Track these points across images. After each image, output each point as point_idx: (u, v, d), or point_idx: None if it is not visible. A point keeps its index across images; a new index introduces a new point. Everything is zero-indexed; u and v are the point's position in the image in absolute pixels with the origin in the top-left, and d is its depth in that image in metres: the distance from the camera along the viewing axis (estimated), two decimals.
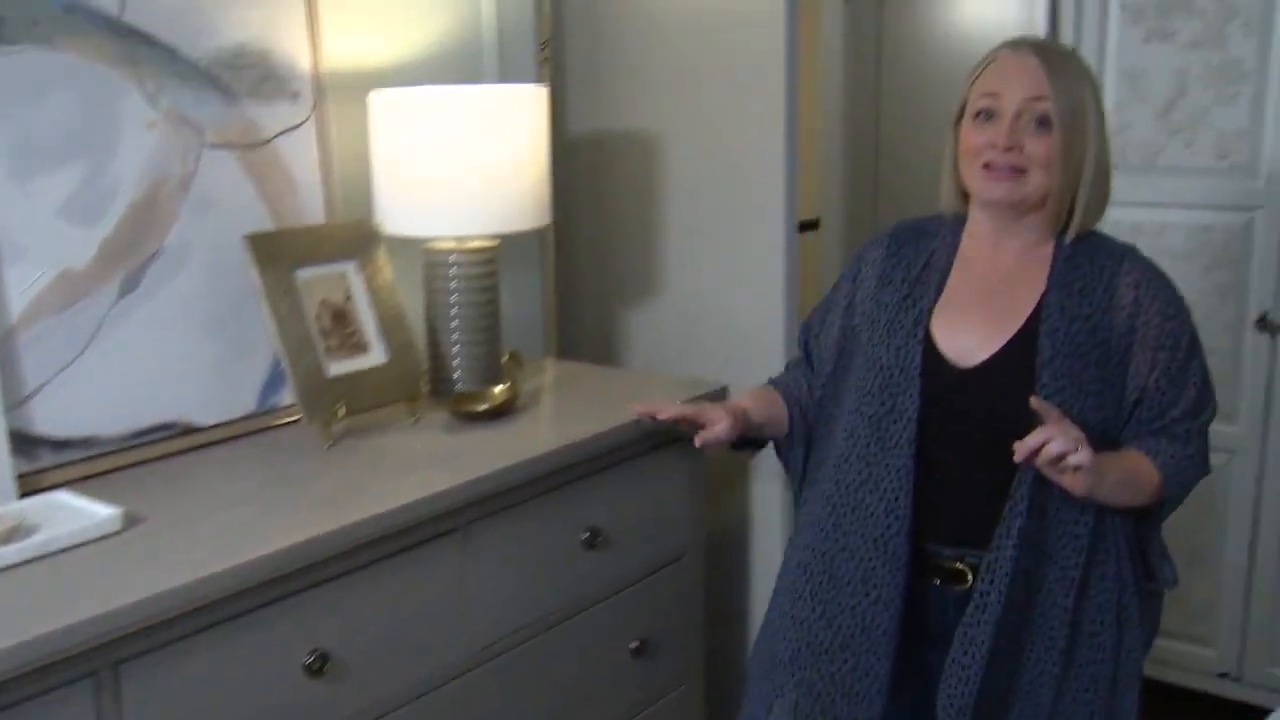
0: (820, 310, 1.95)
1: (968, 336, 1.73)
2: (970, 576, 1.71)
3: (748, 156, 2.29)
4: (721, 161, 2.35)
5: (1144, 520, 1.77)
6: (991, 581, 1.67)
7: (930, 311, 1.76)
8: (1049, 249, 1.74)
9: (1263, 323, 2.97)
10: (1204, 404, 1.74)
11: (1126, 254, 1.75)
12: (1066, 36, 3.14)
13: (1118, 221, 3.08)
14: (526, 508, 1.87)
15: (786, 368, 2.03)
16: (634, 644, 2.12)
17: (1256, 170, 2.96)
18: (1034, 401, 1.56)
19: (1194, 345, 1.74)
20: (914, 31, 3.71)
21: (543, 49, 2.61)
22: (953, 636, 1.70)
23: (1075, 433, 1.54)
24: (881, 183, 3.90)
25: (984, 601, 1.67)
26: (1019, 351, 1.69)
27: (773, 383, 1.98)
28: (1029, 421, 1.57)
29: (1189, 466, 1.73)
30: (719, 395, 2.20)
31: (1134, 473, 1.69)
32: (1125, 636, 1.74)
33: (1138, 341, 1.70)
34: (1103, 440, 1.65)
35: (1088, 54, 3.10)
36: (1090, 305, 1.70)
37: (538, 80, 2.50)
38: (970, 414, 1.71)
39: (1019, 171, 1.67)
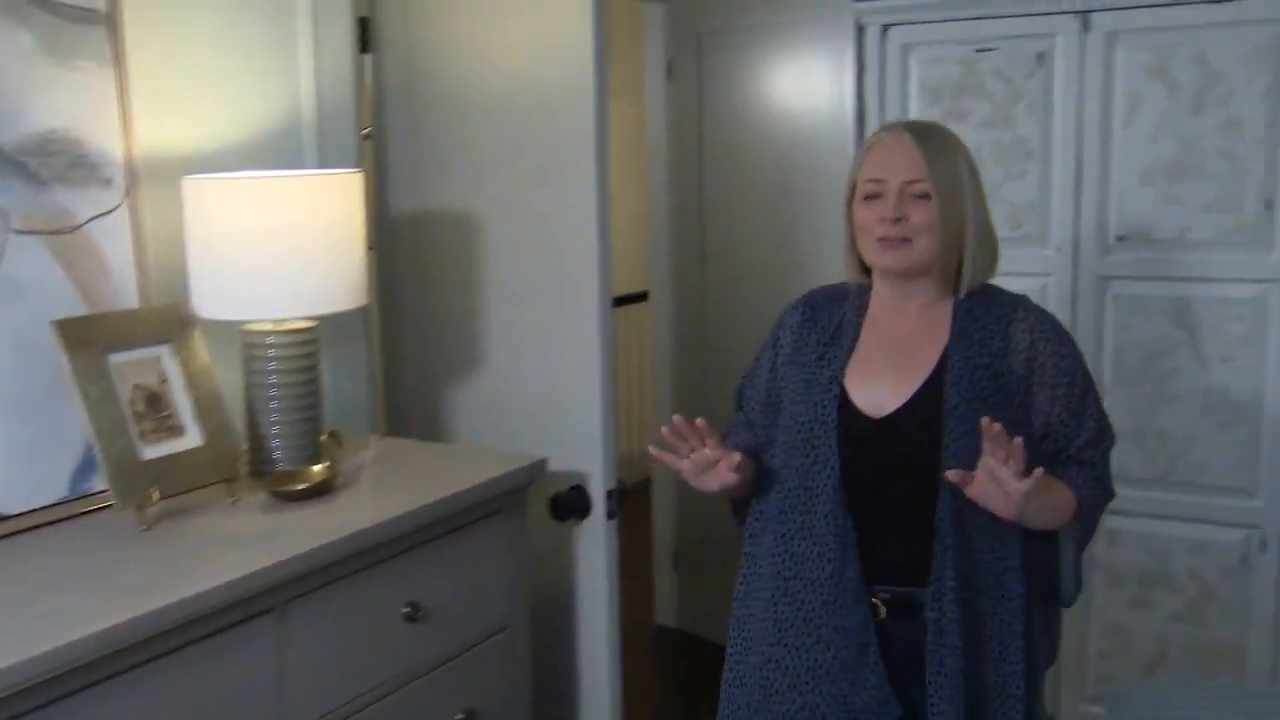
0: (749, 376, 2.13)
1: (879, 390, 1.91)
2: (883, 611, 1.88)
3: (564, 235, 2.37)
4: (539, 240, 2.42)
5: (1050, 542, 1.94)
6: (941, 610, 1.83)
7: (844, 369, 1.94)
8: (948, 305, 1.94)
9: None
10: (1104, 432, 1.96)
11: (1019, 303, 1.95)
12: (872, 115, 3.32)
13: None
14: (345, 584, 1.89)
15: (725, 435, 2.09)
16: (460, 716, 2.14)
17: (1047, 240, 3.17)
18: (984, 421, 1.71)
19: (1088, 380, 1.95)
20: (733, 107, 3.86)
21: (365, 133, 2.67)
22: (909, 666, 1.86)
23: (1020, 460, 1.70)
24: (708, 253, 4.03)
25: (940, 628, 1.83)
26: (927, 400, 1.88)
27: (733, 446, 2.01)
28: (939, 463, 1.81)
29: (1098, 489, 1.94)
30: (539, 468, 2.27)
31: (1057, 495, 1.86)
32: (1038, 657, 1.93)
33: (1037, 382, 1.89)
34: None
35: None
36: (989, 353, 1.89)
37: (358, 164, 2.56)
38: (886, 460, 1.89)
39: (906, 241, 1.87)
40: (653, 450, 1.91)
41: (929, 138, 1.90)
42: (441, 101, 2.55)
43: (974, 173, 1.93)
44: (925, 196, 1.86)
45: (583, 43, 2.27)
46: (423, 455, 2.36)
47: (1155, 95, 2.99)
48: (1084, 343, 3.12)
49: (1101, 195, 3.10)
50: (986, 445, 1.71)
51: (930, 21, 3.22)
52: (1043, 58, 3.11)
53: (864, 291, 2.01)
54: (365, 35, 2.64)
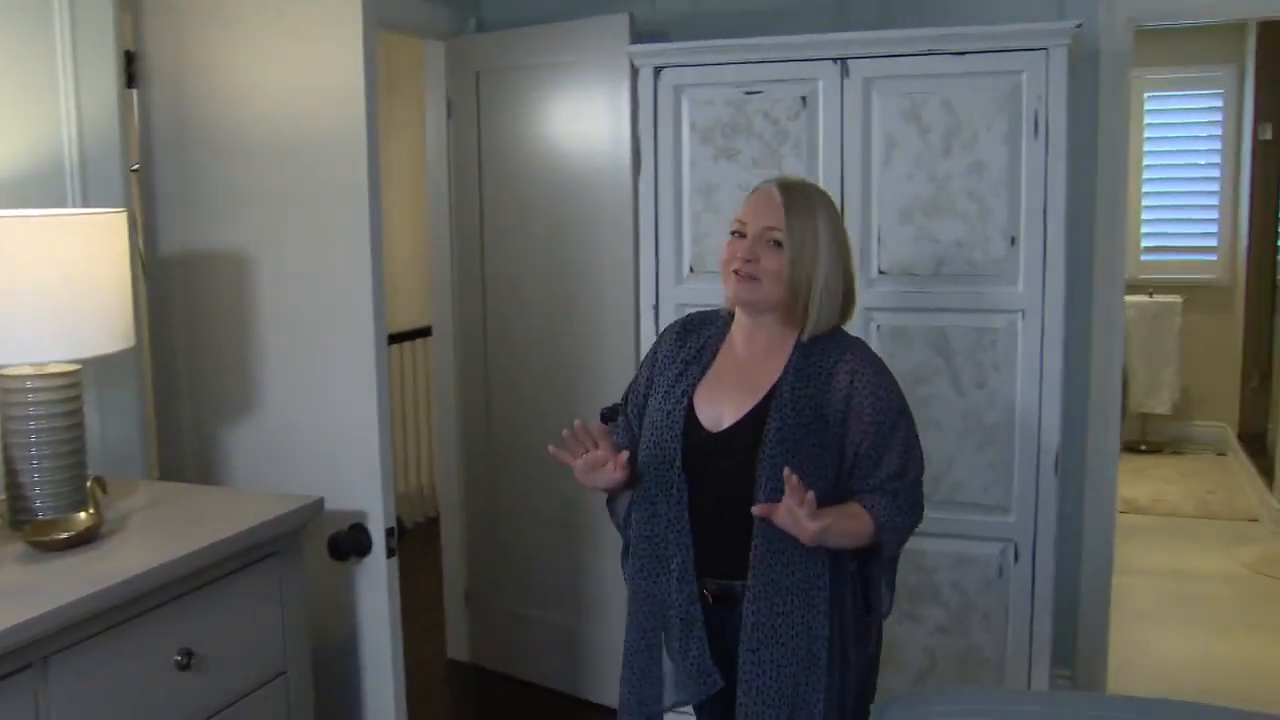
0: (632, 384, 2.44)
1: (720, 407, 2.23)
2: (711, 599, 2.20)
3: (337, 272, 2.35)
4: (313, 278, 2.40)
5: (868, 563, 2.24)
6: (753, 604, 2.15)
7: (696, 386, 2.26)
8: (793, 340, 2.23)
9: None
10: (908, 466, 2.22)
11: (850, 347, 2.24)
12: (648, 153, 3.41)
13: None
14: (112, 634, 1.83)
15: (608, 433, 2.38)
16: None
17: None
18: (785, 472, 2.01)
19: (899, 419, 2.21)
20: (513, 145, 3.91)
21: (133, 170, 2.61)
22: (726, 646, 2.18)
23: (811, 506, 2.01)
24: (489, 287, 4.05)
25: (751, 621, 2.15)
26: (754, 421, 2.18)
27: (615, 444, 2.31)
28: (755, 478, 2.13)
29: (898, 515, 2.21)
30: (316, 508, 2.25)
31: (853, 522, 2.15)
32: (851, 656, 2.22)
33: (852, 417, 2.17)
34: (828, 493, 2.14)
35: (667, 171, 3.39)
36: (813, 387, 2.18)
37: (125, 202, 2.49)
38: (719, 470, 2.19)
39: (755, 279, 2.17)
40: (552, 449, 2.22)
41: (793, 194, 2.21)
42: (213, 137, 2.51)
43: (834, 230, 2.21)
44: (779, 244, 2.16)
45: (354, 80, 2.27)
46: (196, 499, 2.31)
47: (909, 138, 3.18)
48: None
49: (864, 231, 3.26)
50: (787, 490, 2.01)
51: (700, 65, 3.34)
52: (806, 101, 3.26)
53: (730, 319, 2.33)
54: (131, 69, 2.58)
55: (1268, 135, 6.66)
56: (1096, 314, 3.59)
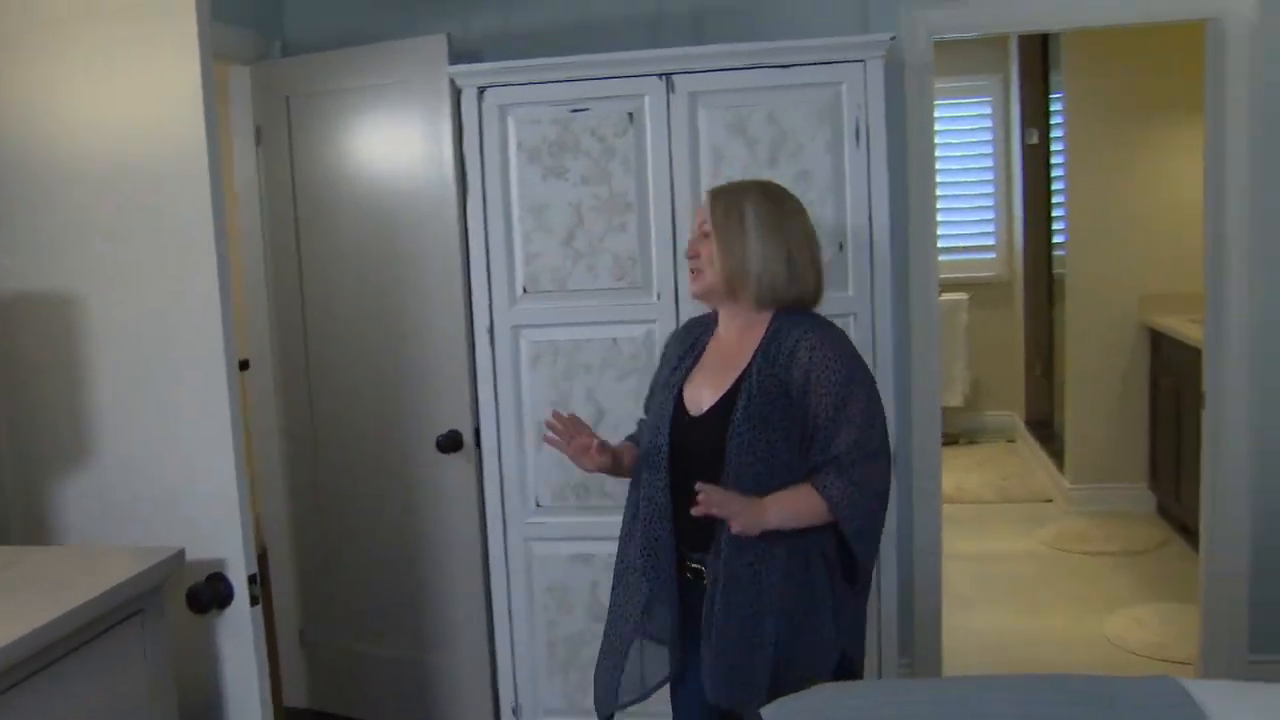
0: (651, 386, 2.69)
1: (703, 392, 2.45)
2: (706, 576, 2.38)
3: (179, 308, 2.23)
4: (148, 314, 2.27)
5: (845, 545, 2.38)
6: (716, 576, 2.34)
7: (687, 376, 2.50)
8: (764, 325, 2.43)
9: None
10: (866, 439, 2.34)
11: (812, 326, 2.41)
12: (474, 174, 3.36)
13: (540, 340, 3.34)
14: None
15: (633, 436, 2.72)
16: None
17: (649, 288, 3.33)
18: (698, 485, 2.21)
19: (855, 392, 2.34)
20: (329, 171, 3.79)
21: None
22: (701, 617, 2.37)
23: (734, 506, 2.24)
24: (309, 317, 3.91)
25: (713, 592, 2.34)
26: (728, 401, 2.38)
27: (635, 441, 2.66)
28: (725, 455, 2.33)
29: (855, 492, 2.32)
30: (178, 560, 2.12)
31: (798, 505, 2.32)
32: (825, 621, 2.36)
33: (812, 390, 2.33)
34: (794, 463, 2.34)
35: (495, 191, 3.35)
36: (778, 365, 2.36)
37: None
38: (698, 449, 2.39)
39: (698, 271, 2.47)
40: (546, 438, 2.49)
41: (720, 190, 2.51)
42: (26, 174, 2.35)
43: (762, 214, 2.42)
44: (707, 235, 2.44)
45: (191, 106, 2.17)
46: (42, 560, 2.14)
47: (736, 150, 3.24)
48: None
49: None
50: (699, 501, 2.20)
51: (525, 83, 3.32)
52: (633, 117, 3.27)
53: (717, 316, 2.56)
54: None
55: (1034, 139, 7.07)
56: (915, 313, 3.74)
